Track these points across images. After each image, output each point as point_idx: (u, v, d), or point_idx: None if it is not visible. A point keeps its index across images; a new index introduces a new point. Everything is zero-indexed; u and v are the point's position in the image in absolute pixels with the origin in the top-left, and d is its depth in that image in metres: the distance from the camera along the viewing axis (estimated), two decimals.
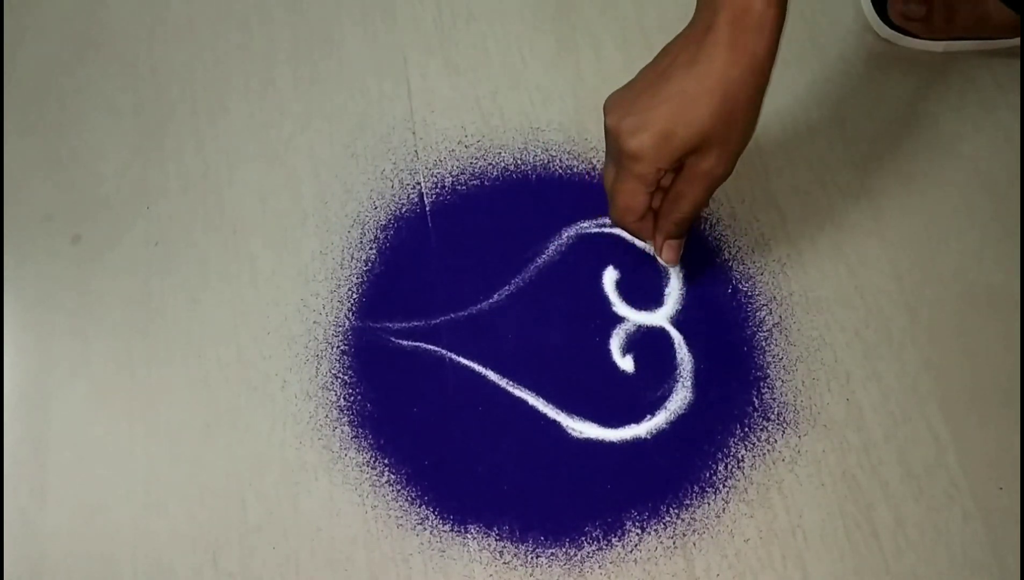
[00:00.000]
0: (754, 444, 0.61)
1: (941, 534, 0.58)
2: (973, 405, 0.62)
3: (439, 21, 0.76)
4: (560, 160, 0.70)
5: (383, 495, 0.60)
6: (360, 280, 0.66)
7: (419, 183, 0.69)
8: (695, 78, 0.49)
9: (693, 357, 0.63)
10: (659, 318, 0.64)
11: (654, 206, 0.56)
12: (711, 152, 0.51)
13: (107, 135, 0.72)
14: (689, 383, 0.62)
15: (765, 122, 0.71)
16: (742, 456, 0.60)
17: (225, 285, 0.66)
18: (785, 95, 0.72)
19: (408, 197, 0.69)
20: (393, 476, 0.60)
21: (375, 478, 0.60)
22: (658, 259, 0.59)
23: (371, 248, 0.67)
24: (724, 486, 0.60)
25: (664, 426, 0.61)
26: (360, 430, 0.62)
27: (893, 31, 0.73)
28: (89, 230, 0.69)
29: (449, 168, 0.70)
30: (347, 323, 0.65)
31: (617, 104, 0.52)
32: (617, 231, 0.67)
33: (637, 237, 0.58)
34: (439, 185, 0.69)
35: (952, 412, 0.61)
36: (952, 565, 0.57)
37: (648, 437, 0.61)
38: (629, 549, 0.58)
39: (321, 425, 0.62)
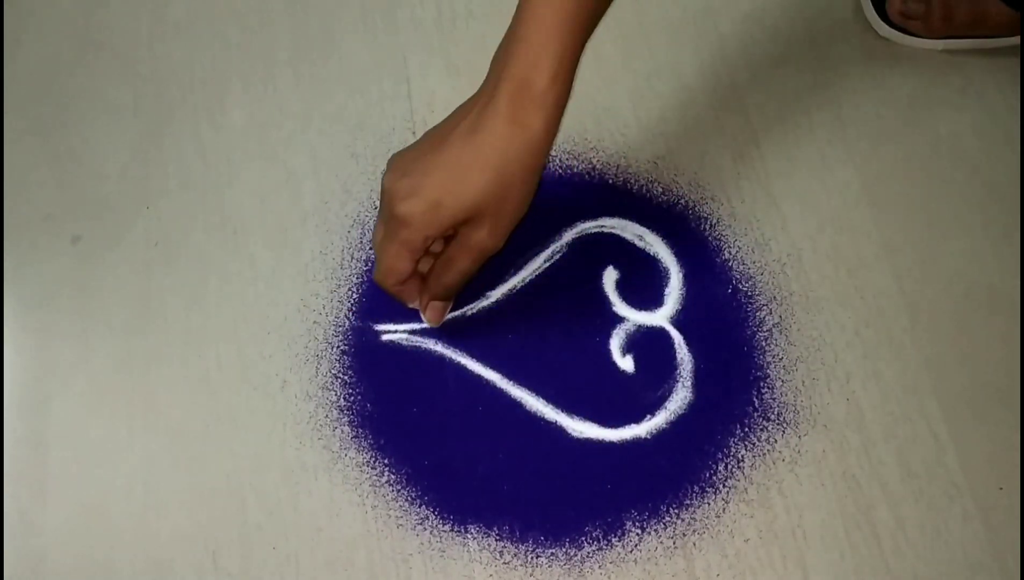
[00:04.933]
0: (754, 444, 0.61)
1: (941, 534, 0.58)
2: (973, 405, 0.62)
3: (439, 21, 0.76)
4: (560, 160, 0.70)
5: (383, 495, 0.60)
6: (360, 280, 0.66)
7: None
8: (472, 149, 0.49)
9: (693, 357, 0.63)
10: (659, 318, 0.64)
11: (422, 270, 0.56)
12: (482, 225, 0.51)
13: (107, 135, 0.72)
14: (689, 383, 0.62)
15: (765, 122, 0.71)
16: (742, 456, 0.60)
17: (225, 285, 0.66)
18: (785, 95, 0.72)
19: None
20: (393, 476, 0.60)
21: (375, 478, 0.60)
22: (422, 317, 0.60)
23: (371, 248, 0.67)
24: (724, 486, 0.60)
25: (664, 426, 0.61)
26: (360, 430, 0.62)
27: (892, 30, 0.73)
28: (89, 230, 0.69)
29: None
30: (347, 323, 0.65)
31: (397, 164, 0.52)
32: (617, 231, 0.67)
33: (399, 300, 0.57)
34: None
35: (952, 412, 0.61)
36: (952, 565, 0.57)
37: (648, 437, 0.61)
38: (629, 549, 0.58)
39: (321, 425, 0.62)
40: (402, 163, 0.52)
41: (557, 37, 0.48)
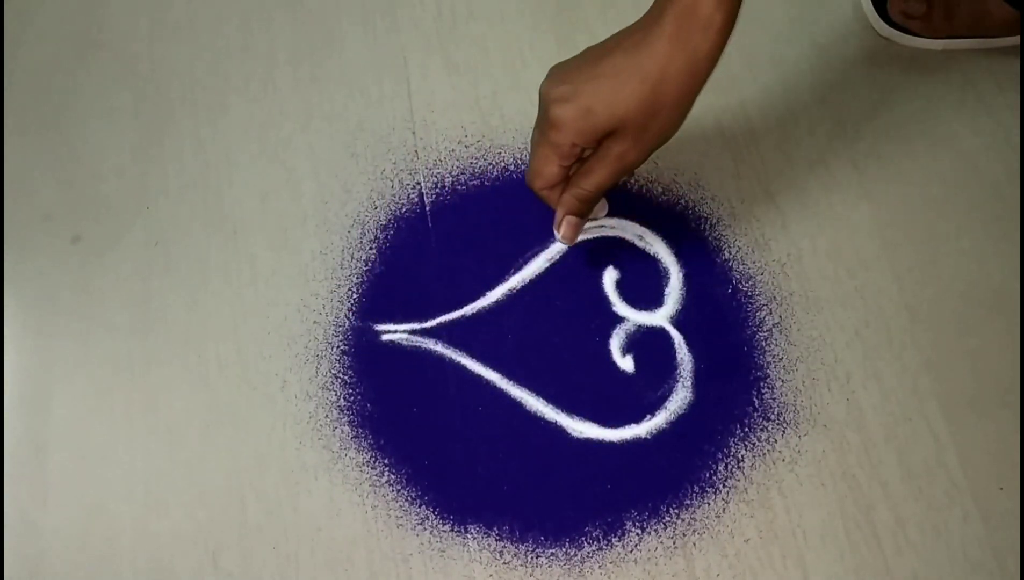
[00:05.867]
0: (754, 444, 0.61)
1: (941, 534, 0.58)
2: (973, 405, 0.62)
3: (439, 21, 0.76)
4: None
5: (383, 495, 0.60)
6: (360, 280, 0.66)
7: (419, 183, 0.69)
8: (632, 63, 0.49)
9: (693, 357, 0.63)
10: (659, 318, 0.64)
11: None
12: (626, 137, 0.51)
13: (107, 135, 0.72)
14: (689, 383, 0.62)
15: (766, 122, 0.71)
16: (742, 456, 0.60)
17: (225, 285, 0.66)
18: (785, 94, 0.72)
19: (408, 197, 0.69)
20: (393, 476, 0.60)
21: (375, 478, 0.60)
22: (555, 233, 0.58)
23: (371, 248, 0.67)
24: (724, 486, 0.60)
25: (664, 426, 0.61)
26: (360, 430, 0.62)
27: (893, 29, 0.73)
28: (89, 230, 0.69)
29: (449, 168, 0.70)
30: (347, 323, 0.65)
31: (557, 72, 0.53)
32: (617, 232, 0.67)
33: (546, 203, 0.57)
34: (439, 185, 0.69)
35: (952, 412, 0.61)
36: (952, 565, 0.57)
37: (648, 437, 0.61)
38: (629, 549, 0.58)
39: (321, 425, 0.62)
40: (561, 71, 0.53)
41: None
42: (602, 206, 0.61)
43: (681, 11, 0.48)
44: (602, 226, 0.67)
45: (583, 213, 0.57)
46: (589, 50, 0.53)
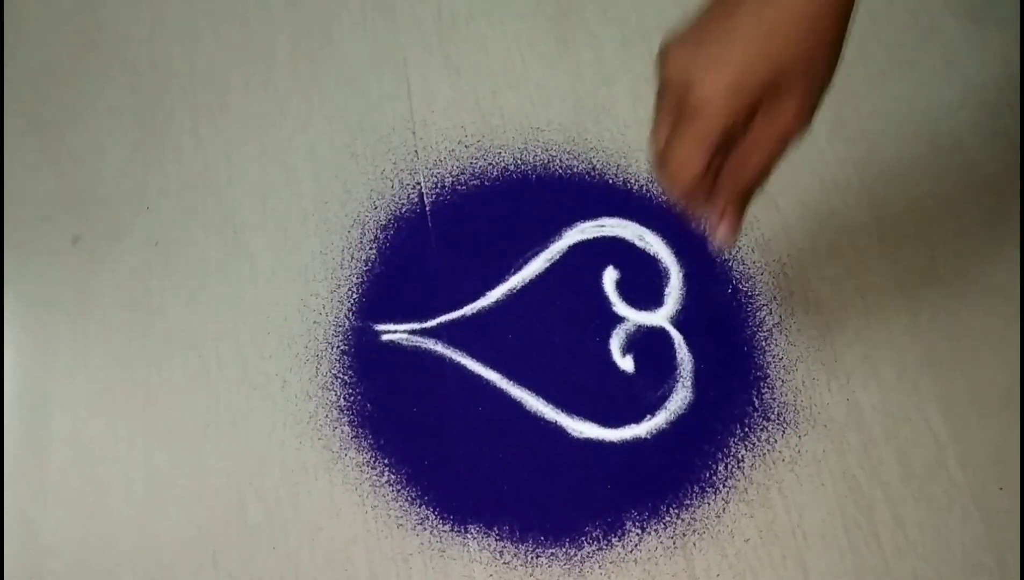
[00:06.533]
0: (754, 444, 0.61)
1: (941, 534, 0.58)
2: (973, 405, 0.62)
3: (439, 21, 0.76)
4: (560, 160, 0.70)
5: (383, 495, 0.60)
6: (360, 280, 0.66)
7: (419, 183, 0.69)
8: (772, 9, 0.42)
9: (693, 357, 0.63)
10: (659, 318, 0.64)
11: (713, 169, 0.47)
12: (792, 95, 0.43)
13: (107, 135, 0.72)
14: (689, 383, 0.62)
15: None
16: (742, 456, 0.60)
17: (225, 285, 0.66)
18: None
19: (408, 197, 0.69)
20: (393, 476, 0.60)
21: (375, 478, 0.60)
22: (711, 241, 0.50)
23: (371, 248, 0.67)
24: (724, 486, 0.60)
25: (664, 426, 0.61)
26: (360, 430, 0.62)
27: None
28: (89, 230, 0.69)
29: (449, 168, 0.70)
30: (347, 323, 0.65)
31: (679, 46, 0.44)
32: (617, 232, 0.67)
33: (687, 208, 0.49)
34: (439, 185, 0.69)
35: (952, 412, 0.61)
36: (952, 565, 0.57)
37: (648, 437, 0.61)
38: (629, 549, 0.58)
39: (321, 425, 0.62)
40: (684, 44, 0.44)
41: None
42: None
43: None
44: (602, 226, 0.67)
45: (744, 207, 0.48)
46: (705, 12, 0.44)
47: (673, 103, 0.44)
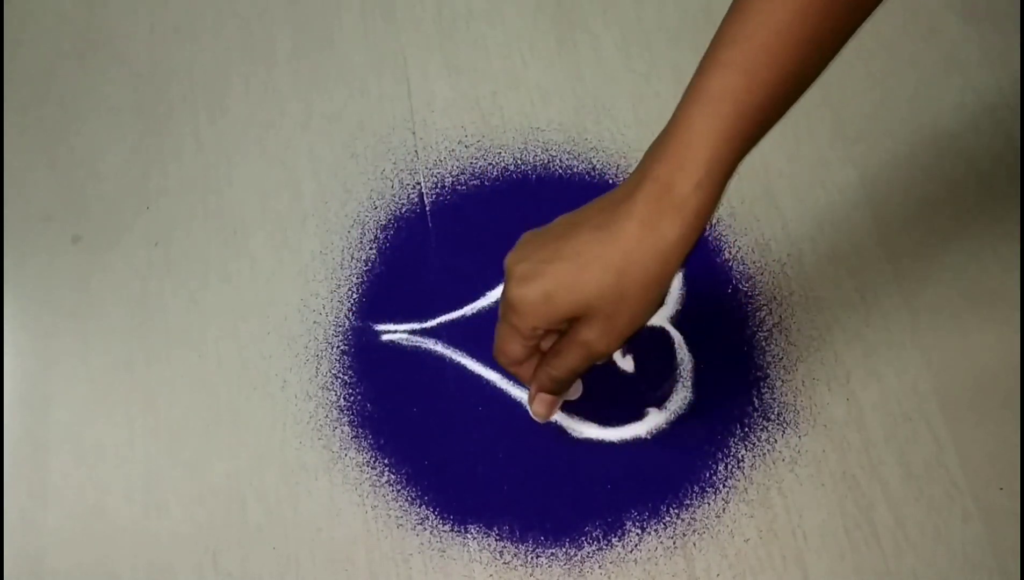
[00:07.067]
0: (754, 444, 0.61)
1: (941, 534, 0.58)
2: (973, 405, 0.62)
3: (439, 21, 0.76)
4: (560, 160, 0.70)
5: (383, 495, 0.60)
6: (360, 280, 0.66)
7: (419, 183, 0.69)
8: (597, 244, 0.46)
9: (693, 357, 0.63)
10: (659, 318, 0.64)
11: (542, 348, 0.53)
12: (593, 325, 0.47)
13: (107, 135, 0.72)
14: (689, 383, 0.62)
15: None
16: (742, 456, 0.60)
17: (225, 285, 0.66)
18: None
19: (408, 197, 0.69)
20: (393, 476, 0.60)
21: (375, 478, 0.60)
22: (528, 409, 0.57)
23: (371, 248, 0.67)
24: (724, 486, 0.60)
25: (664, 426, 0.61)
26: (360, 430, 0.62)
27: None
28: (89, 230, 0.69)
29: (449, 168, 0.70)
30: (347, 323, 0.65)
31: (522, 246, 0.50)
32: None
33: (515, 378, 0.55)
34: (439, 185, 0.69)
35: (952, 412, 0.61)
36: (952, 565, 0.57)
37: (648, 437, 0.61)
38: (629, 549, 0.58)
39: (321, 425, 0.62)
40: (528, 246, 0.49)
41: (709, 143, 0.45)
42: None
43: (655, 189, 0.45)
44: None
45: (556, 392, 0.54)
46: (558, 222, 0.49)
47: (503, 290, 0.49)
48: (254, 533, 0.59)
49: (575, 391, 0.60)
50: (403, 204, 0.69)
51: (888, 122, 0.71)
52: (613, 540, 0.58)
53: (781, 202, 0.68)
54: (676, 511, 0.59)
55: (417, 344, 0.64)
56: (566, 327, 0.49)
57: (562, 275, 0.46)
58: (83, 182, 0.70)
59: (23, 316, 0.66)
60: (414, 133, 0.71)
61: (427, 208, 0.68)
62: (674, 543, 0.58)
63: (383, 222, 0.68)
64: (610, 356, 0.51)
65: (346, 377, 0.63)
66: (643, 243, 0.45)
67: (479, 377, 0.63)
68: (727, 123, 0.45)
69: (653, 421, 0.61)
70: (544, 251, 0.48)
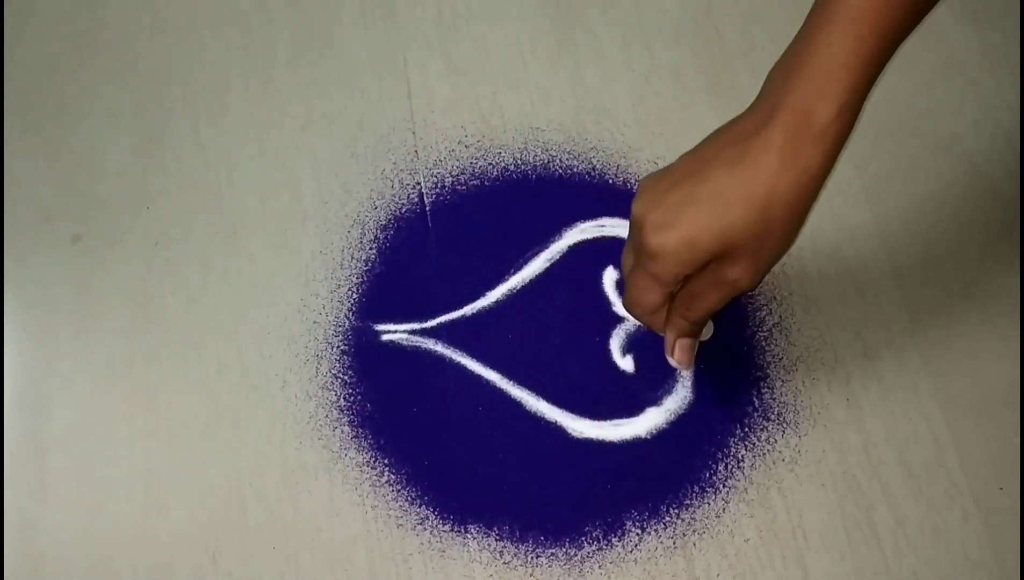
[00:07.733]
0: (754, 444, 0.61)
1: (941, 534, 0.58)
2: (973, 405, 0.62)
3: (439, 21, 0.76)
4: (560, 160, 0.70)
5: (383, 495, 0.60)
6: (360, 280, 0.66)
7: (419, 183, 0.69)
8: (735, 182, 0.44)
9: None
10: None
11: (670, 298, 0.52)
12: (738, 263, 0.46)
13: (107, 135, 0.72)
14: (689, 383, 0.62)
15: None
16: (742, 456, 0.60)
17: (225, 285, 0.66)
18: None
19: (408, 197, 0.69)
20: (393, 476, 0.60)
21: (375, 478, 0.60)
22: (669, 359, 0.56)
23: (371, 248, 0.67)
24: (724, 486, 0.60)
25: (664, 426, 0.61)
26: (360, 430, 0.62)
27: None
28: (89, 230, 0.69)
29: (449, 168, 0.70)
30: (347, 323, 0.65)
31: (649, 191, 0.47)
32: (617, 232, 0.67)
33: (649, 329, 0.54)
34: (439, 185, 0.69)
35: (952, 412, 0.61)
36: (952, 565, 0.57)
37: (648, 437, 0.61)
38: (629, 549, 0.58)
39: (321, 425, 0.62)
40: (655, 191, 0.47)
41: (850, 67, 0.42)
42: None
43: (792, 119, 0.43)
44: (602, 226, 0.67)
45: (696, 335, 0.54)
46: (683, 161, 0.47)
47: (634, 239, 0.48)
48: (254, 533, 0.59)
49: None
50: (403, 204, 0.69)
51: (888, 122, 0.71)
52: (613, 540, 0.58)
53: None
54: (676, 511, 0.59)
55: (417, 344, 0.64)
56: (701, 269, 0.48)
57: (704, 218, 0.44)
58: (83, 182, 0.70)
59: (23, 316, 0.66)
60: (414, 133, 0.71)
61: (427, 208, 0.68)
62: (674, 543, 0.58)
63: (383, 222, 0.68)
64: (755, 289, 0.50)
65: (346, 377, 0.63)
66: (785, 176, 0.43)
67: (479, 377, 0.63)
68: (867, 45, 0.42)
69: (653, 421, 0.61)
70: (675, 194, 0.46)
